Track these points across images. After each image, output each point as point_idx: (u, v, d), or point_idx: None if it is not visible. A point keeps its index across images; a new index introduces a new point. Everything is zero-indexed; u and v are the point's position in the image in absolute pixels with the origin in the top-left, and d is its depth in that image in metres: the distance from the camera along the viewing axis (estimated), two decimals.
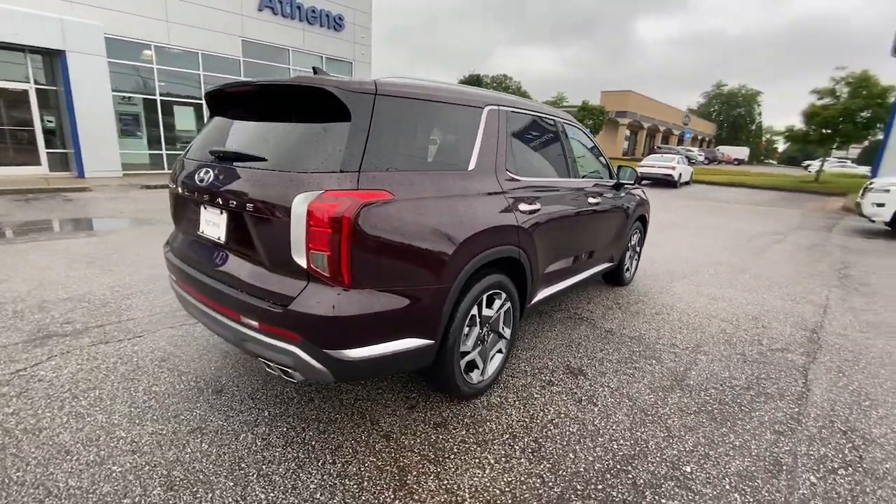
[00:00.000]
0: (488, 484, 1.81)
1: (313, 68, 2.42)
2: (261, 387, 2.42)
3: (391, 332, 1.84)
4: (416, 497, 1.72)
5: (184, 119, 14.37)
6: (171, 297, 3.59)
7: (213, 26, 13.90)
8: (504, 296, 2.39)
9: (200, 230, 2.12)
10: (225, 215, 1.95)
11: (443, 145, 2.36)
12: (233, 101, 2.21)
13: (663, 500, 1.76)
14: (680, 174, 17.51)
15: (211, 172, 1.99)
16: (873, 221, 9.00)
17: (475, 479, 1.83)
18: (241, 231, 1.87)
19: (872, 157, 20.41)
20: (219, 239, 2.00)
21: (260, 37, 15.12)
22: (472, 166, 2.22)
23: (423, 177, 1.96)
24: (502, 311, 2.42)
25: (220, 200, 1.90)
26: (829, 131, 20.56)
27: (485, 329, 2.34)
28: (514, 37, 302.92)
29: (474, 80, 49.12)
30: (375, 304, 1.75)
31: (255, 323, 1.80)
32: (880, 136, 19.23)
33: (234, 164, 1.95)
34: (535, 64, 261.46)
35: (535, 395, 2.47)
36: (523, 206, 2.44)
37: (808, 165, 39.20)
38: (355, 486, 1.76)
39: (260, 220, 1.77)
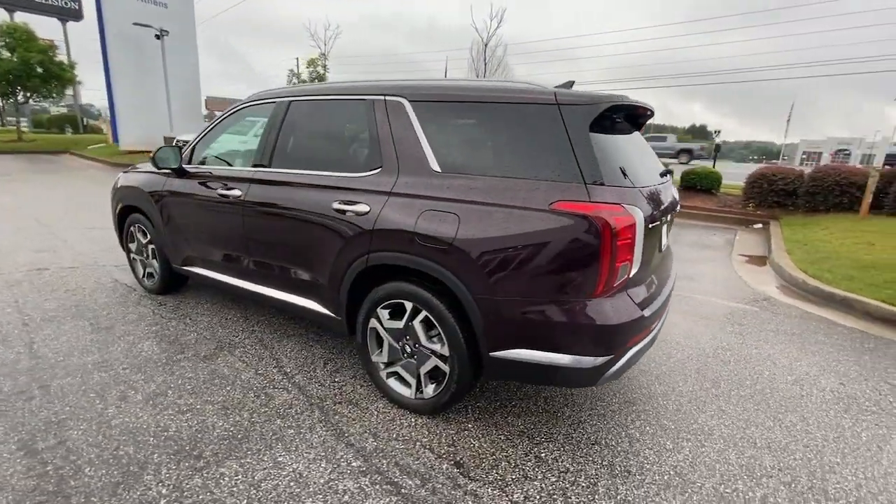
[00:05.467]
0: None
1: (569, 82, 2.27)
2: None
3: None
4: None
5: None
6: None
7: None
8: None
9: (660, 248, 2.31)
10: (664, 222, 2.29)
11: None
12: (625, 118, 2.27)
13: None
14: None
15: (667, 191, 2.31)
16: None
17: None
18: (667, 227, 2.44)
19: None
20: (665, 245, 2.45)
21: None
22: None
23: None
24: None
25: (675, 211, 2.40)
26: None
27: None
28: None
29: None
30: None
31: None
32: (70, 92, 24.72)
33: (667, 178, 2.43)
34: None
35: None
36: None
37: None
38: None
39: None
